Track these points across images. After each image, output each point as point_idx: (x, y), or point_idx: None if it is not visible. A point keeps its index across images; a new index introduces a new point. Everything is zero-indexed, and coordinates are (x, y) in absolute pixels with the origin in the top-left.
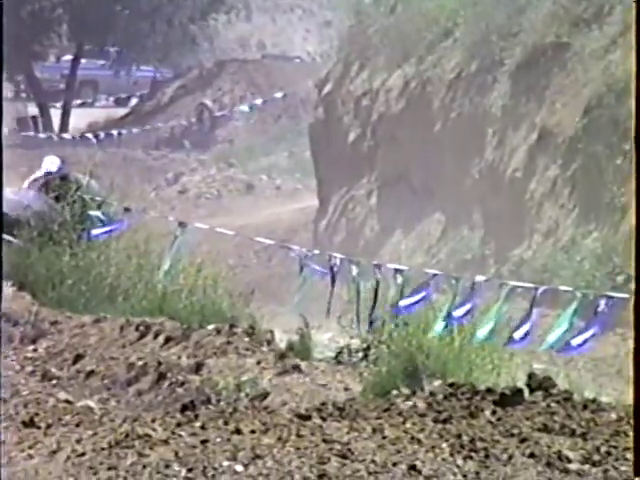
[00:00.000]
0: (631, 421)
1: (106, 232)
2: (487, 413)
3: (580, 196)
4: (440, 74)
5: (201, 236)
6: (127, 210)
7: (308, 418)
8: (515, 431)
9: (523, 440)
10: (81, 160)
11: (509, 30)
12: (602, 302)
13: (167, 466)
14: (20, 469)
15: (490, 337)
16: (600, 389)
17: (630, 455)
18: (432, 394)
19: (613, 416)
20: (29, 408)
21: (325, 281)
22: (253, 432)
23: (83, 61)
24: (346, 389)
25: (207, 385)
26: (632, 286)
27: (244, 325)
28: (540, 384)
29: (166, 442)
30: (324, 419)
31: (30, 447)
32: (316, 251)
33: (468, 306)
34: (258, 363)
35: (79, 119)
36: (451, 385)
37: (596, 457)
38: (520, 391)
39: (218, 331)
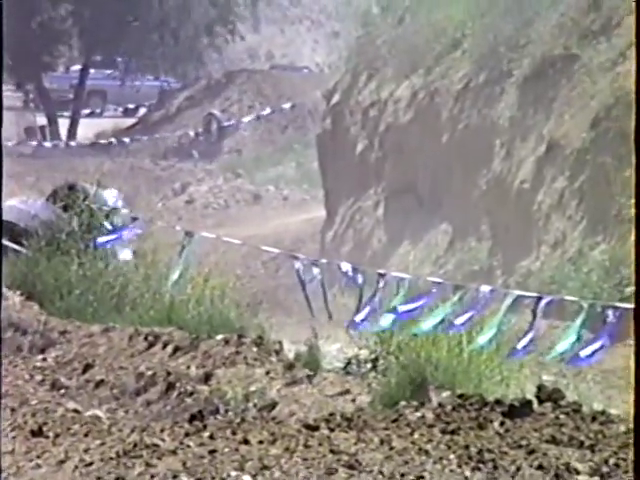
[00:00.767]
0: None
1: (112, 240)
2: (495, 424)
3: (588, 208)
4: (448, 85)
5: (208, 246)
6: (134, 219)
7: (316, 429)
8: (523, 443)
9: (531, 452)
10: (89, 170)
11: (517, 42)
12: (610, 313)
13: (175, 476)
14: (28, 478)
15: (489, 344)
16: (609, 401)
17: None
18: (440, 405)
19: (622, 428)
20: (37, 417)
21: (332, 291)
22: (261, 442)
23: (92, 71)
24: (354, 400)
25: (215, 395)
26: (635, 293)
27: (252, 335)
28: (549, 396)
29: (174, 452)
30: (332, 430)
31: (38, 456)
32: (323, 260)
33: (469, 314)
34: (266, 373)
35: (87, 129)
36: (460, 396)
37: (604, 469)
38: (529, 403)
39: (226, 341)
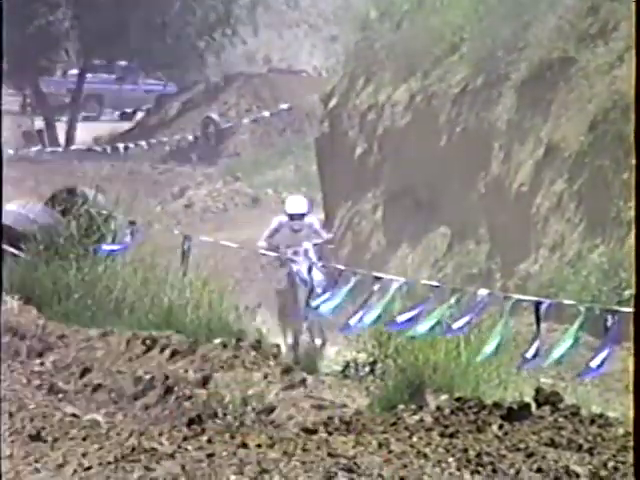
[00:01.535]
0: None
1: (117, 250)
2: (494, 428)
3: (586, 211)
4: (446, 89)
5: (207, 250)
6: (132, 223)
7: (314, 432)
8: (522, 446)
9: (530, 455)
10: (87, 174)
11: (515, 45)
12: (609, 317)
13: None
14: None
15: (497, 352)
16: (607, 404)
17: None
18: (439, 409)
19: (620, 431)
20: (36, 422)
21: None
22: (259, 446)
23: (89, 75)
24: (353, 403)
25: (214, 399)
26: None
27: (250, 339)
28: (547, 399)
29: (173, 456)
30: (330, 433)
31: (37, 461)
32: (320, 264)
33: (467, 318)
34: (265, 377)
35: (85, 133)
36: (458, 400)
37: (603, 472)
38: (527, 406)
39: (225, 345)
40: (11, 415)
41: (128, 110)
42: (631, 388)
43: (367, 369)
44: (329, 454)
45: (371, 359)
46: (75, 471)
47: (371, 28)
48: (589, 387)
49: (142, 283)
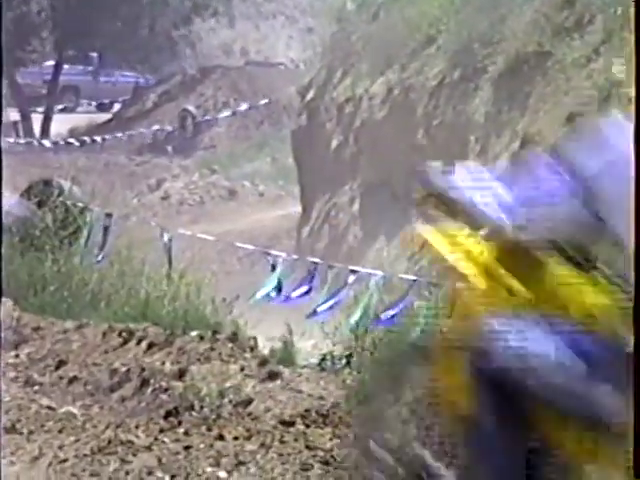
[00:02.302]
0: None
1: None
2: None
3: None
4: (423, 81)
5: (184, 242)
6: (109, 216)
7: (292, 424)
8: None
9: None
10: (63, 165)
11: (491, 38)
12: None
13: (150, 472)
14: (2, 475)
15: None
16: None
17: None
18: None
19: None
20: (11, 414)
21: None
22: (236, 438)
23: (65, 67)
24: (329, 396)
25: (190, 391)
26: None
27: (227, 331)
28: None
29: (149, 448)
30: (308, 426)
31: (12, 453)
32: (295, 256)
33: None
34: (241, 370)
35: (60, 125)
36: None
37: None
38: None
39: (201, 337)
40: None
41: (105, 101)
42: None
43: (344, 362)
44: (306, 446)
45: (348, 352)
46: (51, 463)
47: (347, 20)
48: None
49: (118, 275)
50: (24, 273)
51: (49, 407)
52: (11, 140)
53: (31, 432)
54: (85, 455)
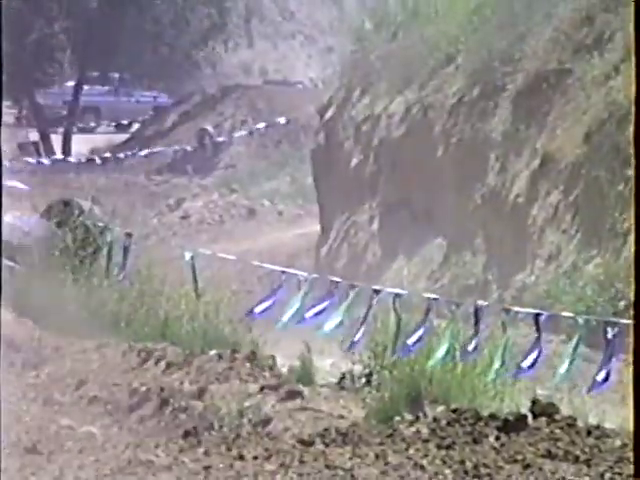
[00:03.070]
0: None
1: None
2: (491, 439)
3: (582, 222)
4: (442, 100)
5: (203, 262)
6: (129, 236)
7: (311, 444)
8: (519, 457)
9: (527, 466)
10: (83, 186)
11: (511, 56)
12: (609, 329)
13: None
14: None
15: (505, 369)
16: (604, 415)
17: None
18: (435, 420)
19: (617, 442)
20: (31, 434)
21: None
22: (256, 458)
23: (85, 87)
24: (349, 415)
25: (210, 411)
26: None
27: (246, 351)
28: (544, 410)
29: (169, 468)
30: (327, 445)
31: (33, 473)
32: (315, 275)
33: (476, 339)
34: (261, 389)
35: (80, 145)
36: (454, 411)
37: None
38: (524, 417)
39: (220, 357)
40: (7, 428)
41: (124, 122)
42: (631, 399)
43: (363, 380)
44: (326, 466)
45: (367, 370)
46: None
47: (366, 39)
48: (585, 398)
49: (138, 295)
50: (44, 293)
51: (69, 427)
52: (31, 160)
53: (51, 452)
54: (105, 475)
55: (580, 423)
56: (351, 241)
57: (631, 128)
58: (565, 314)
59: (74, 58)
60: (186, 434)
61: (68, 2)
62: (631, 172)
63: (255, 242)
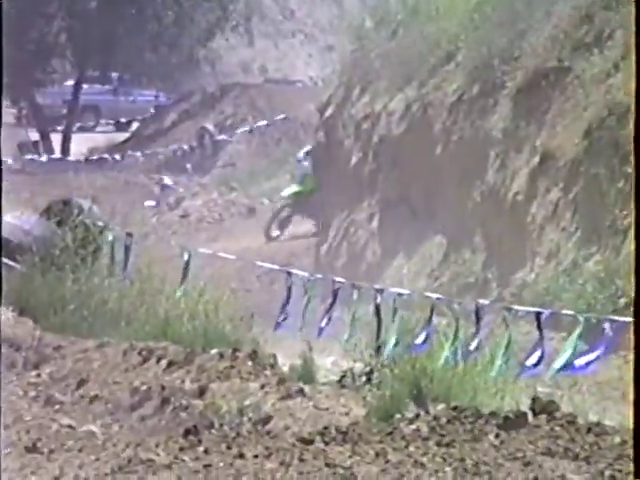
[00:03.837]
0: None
1: None
2: (491, 437)
3: (582, 219)
4: (441, 97)
5: (203, 260)
6: (129, 235)
7: (311, 442)
8: (519, 455)
9: (527, 464)
10: (82, 185)
11: (510, 54)
12: (607, 326)
13: None
14: None
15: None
16: (604, 412)
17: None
18: (435, 418)
19: (617, 439)
20: (32, 434)
21: (326, 305)
22: (256, 457)
23: (85, 86)
24: (349, 413)
25: (210, 409)
26: (634, 305)
27: (247, 349)
28: (544, 408)
29: (169, 467)
30: (327, 443)
31: (33, 473)
32: (318, 275)
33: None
34: (261, 387)
35: (80, 144)
36: (455, 409)
37: None
38: (524, 415)
39: (221, 355)
40: (7, 427)
41: (123, 120)
42: (631, 396)
43: (364, 379)
44: (326, 464)
45: (368, 369)
46: None
47: (366, 37)
48: (585, 396)
49: (138, 294)
50: (44, 292)
51: (69, 426)
52: (31, 159)
53: (52, 451)
54: (105, 474)
55: (580, 420)
56: (351, 239)
57: (631, 125)
58: (566, 312)
59: (74, 57)
60: (186, 433)
61: (68, 1)
62: (631, 169)
63: (255, 240)
